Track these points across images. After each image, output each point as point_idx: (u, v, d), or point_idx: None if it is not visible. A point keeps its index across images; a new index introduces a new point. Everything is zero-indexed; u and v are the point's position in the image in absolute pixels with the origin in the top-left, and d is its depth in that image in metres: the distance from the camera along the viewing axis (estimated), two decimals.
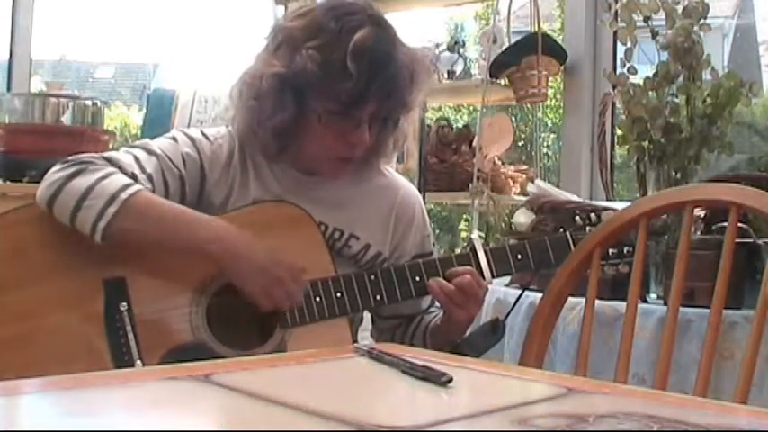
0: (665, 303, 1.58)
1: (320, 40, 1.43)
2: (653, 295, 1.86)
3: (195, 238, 1.37)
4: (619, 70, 2.09)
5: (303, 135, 1.48)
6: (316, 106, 1.45)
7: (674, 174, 1.97)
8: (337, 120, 1.45)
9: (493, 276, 1.52)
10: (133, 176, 1.43)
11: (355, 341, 1.50)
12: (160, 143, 1.50)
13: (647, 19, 2.03)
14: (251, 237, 1.39)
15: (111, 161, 1.43)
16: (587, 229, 1.54)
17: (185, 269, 1.40)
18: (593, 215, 1.56)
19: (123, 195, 1.36)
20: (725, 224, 1.37)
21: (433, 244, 1.67)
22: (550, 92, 3.17)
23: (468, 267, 1.49)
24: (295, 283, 1.40)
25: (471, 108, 5.07)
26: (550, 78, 3.01)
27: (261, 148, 1.51)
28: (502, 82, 3.00)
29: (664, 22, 2.02)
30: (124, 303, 1.38)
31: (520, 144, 4.81)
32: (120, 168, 1.42)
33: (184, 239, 1.37)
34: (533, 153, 3.70)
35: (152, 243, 1.39)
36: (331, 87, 1.42)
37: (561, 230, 1.56)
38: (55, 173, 1.41)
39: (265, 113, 1.46)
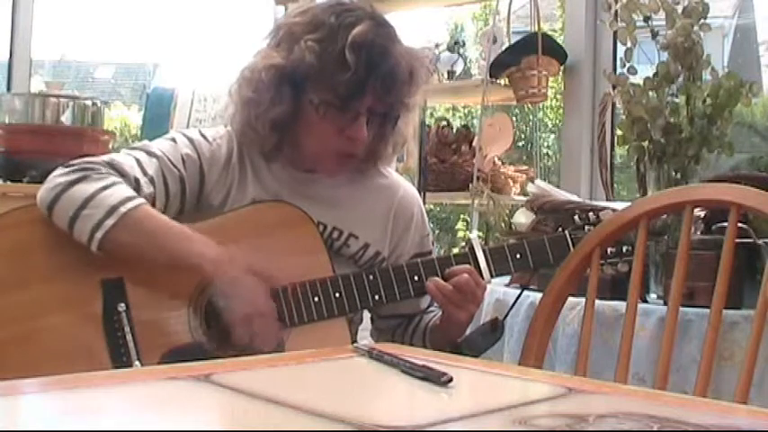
0: (665, 303, 1.58)
1: (319, 33, 1.44)
2: (653, 295, 1.86)
3: (188, 255, 1.36)
4: (619, 70, 2.09)
5: (301, 129, 1.48)
6: (313, 98, 1.45)
7: (674, 174, 1.97)
8: (335, 112, 1.45)
9: (492, 276, 1.51)
10: (135, 180, 1.43)
11: (354, 341, 1.50)
12: (160, 144, 1.51)
13: (647, 19, 2.03)
14: (243, 261, 1.37)
15: (113, 166, 1.43)
16: (586, 228, 1.54)
17: (183, 271, 1.40)
18: (591, 214, 1.56)
19: (123, 209, 1.36)
20: (725, 224, 1.37)
21: (433, 243, 1.67)
22: (550, 92, 3.17)
23: (467, 266, 1.49)
24: (274, 324, 1.38)
25: (471, 108, 5.07)
26: (550, 78, 3.01)
27: (259, 144, 1.51)
28: (502, 82, 3.00)
29: (664, 22, 2.02)
30: (122, 304, 1.38)
31: (520, 144, 4.82)
32: (123, 173, 1.43)
33: (177, 256, 1.36)
34: (533, 153, 3.72)
35: (146, 257, 1.38)
36: (329, 78, 1.42)
37: (560, 230, 1.56)
38: (57, 177, 1.41)
39: (263, 106, 1.46)
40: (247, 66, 1.50)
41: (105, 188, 1.38)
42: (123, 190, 1.40)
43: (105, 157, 1.46)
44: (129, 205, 1.37)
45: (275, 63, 1.45)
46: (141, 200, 1.40)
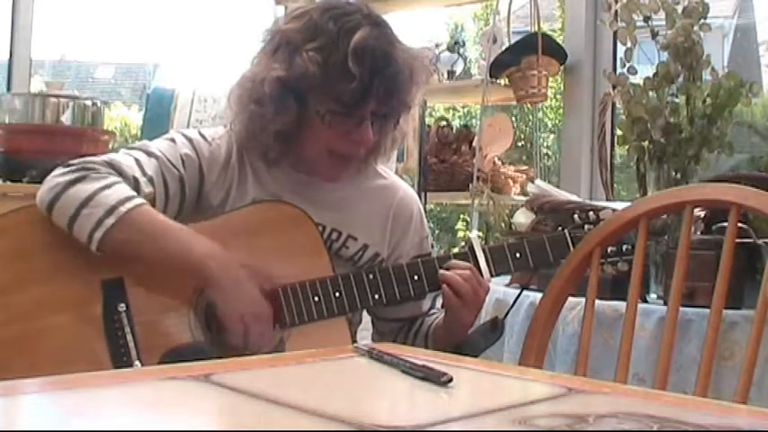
0: (665, 303, 1.58)
1: (320, 41, 1.43)
2: (653, 295, 1.86)
3: (188, 257, 1.36)
4: (619, 70, 2.09)
5: (306, 137, 1.48)
6: (318, 107, 1.45)
7: (674, 174, 1.97)
8: (340, 119, 1.45)
9: (492, 275, 1.51)
10: (135, 180, 1.43)
11: (354, 341, 1.50)
12: (159, 145, 1.50)
13: (647, 19, 2.03)
14: (241, 263, 1.38)
15: (112, 166, 1.43)
16: (586, 227, 1.54)
17: (182, 272, 1.40)
18: (591, 214, 1.56)
19: (123, 208, 1.36)
20: (725, 224, 1.37)
21: (432, 246, 1.66)
22: (550, 92, 3.18)
23: (468, 264, 1.49)
24: (269, 326, 1.38)
25: (471, 108, 5.07)
26: (550, 78, 3.01)
27: (262, 153, 1.51)
28: (502, 82, 3.00)
29: (664, 22, 2.02)
30: (122, 304, 1.38)
31: (520, 144, 4.81)
32: (122, 173, 1.43)
33: (176, 258, 1.36)
34: (533, 153, 3.71)
35: (145, 257, 1.38)
36: (333, 88, 1.42)
37: (560, 229, 1.56)
38: (56, 177, 1.41)
39: (267, 117, 1.46)
40: (246, 75, 1.49)
41: (105, 188, 1.38)
42: (123, 190, 1.40)
43: (104, 157, 1.46)
44: (129, 205, 1.37)
45: (278, 75, 1.44)
46: (141, 200, 1.39)
